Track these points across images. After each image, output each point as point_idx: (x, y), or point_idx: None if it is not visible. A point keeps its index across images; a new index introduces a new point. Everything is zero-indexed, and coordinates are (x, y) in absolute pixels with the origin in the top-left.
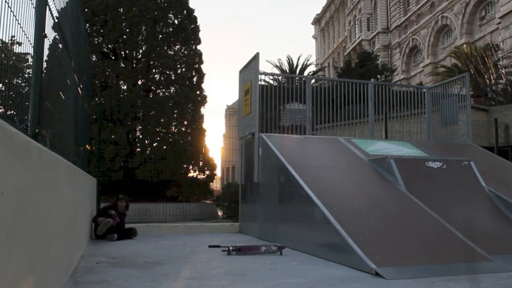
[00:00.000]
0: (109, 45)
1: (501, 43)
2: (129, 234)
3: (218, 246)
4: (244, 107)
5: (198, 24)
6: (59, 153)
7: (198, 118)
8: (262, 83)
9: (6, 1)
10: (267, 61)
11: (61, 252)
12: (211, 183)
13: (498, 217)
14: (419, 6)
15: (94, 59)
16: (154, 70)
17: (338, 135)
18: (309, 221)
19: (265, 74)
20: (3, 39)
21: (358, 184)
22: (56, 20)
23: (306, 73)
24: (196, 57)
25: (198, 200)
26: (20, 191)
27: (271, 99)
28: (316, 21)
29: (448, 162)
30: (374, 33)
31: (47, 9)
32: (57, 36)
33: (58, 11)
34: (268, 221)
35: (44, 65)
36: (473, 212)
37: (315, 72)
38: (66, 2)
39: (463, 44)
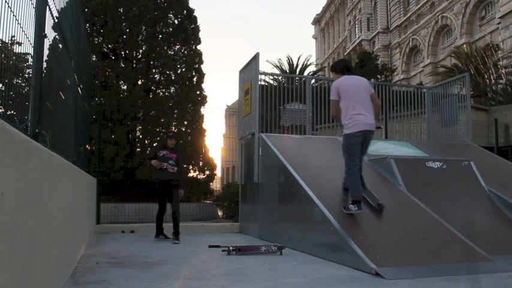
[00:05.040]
0: (109, 45)
1: (501, 43)
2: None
3: (218, 246)
4: (244, 107)
5: (198, 24)
6: (59, 153)
7: (198, 118)
8: (262, 83)
9: (6, 1)
10: (267, 61)
11: (61, 252)
12: (211, 183)
13: (498, 217)
14: (419, 6)
15: (94, 59)
16: (154, 70)
17: (338, 135)
18: (309, 221)
19: (265, 74)
20: (3, 39)
21: None
22: (56, 20)
23: (306, 73)
24: (196, 57)
25: (198, 200)
26: (20, 191)
27: (271, 99)
28: (316, 21)
29: (448, 162)
30: (374, 33)
31: (47, 9)
32: (57, 36)
33: (58, 11)
34: (268, 221)
35: (44, 65)
36: (473, 212)
37: (315, 72)
38: (66, 2)
39: (463, 44)
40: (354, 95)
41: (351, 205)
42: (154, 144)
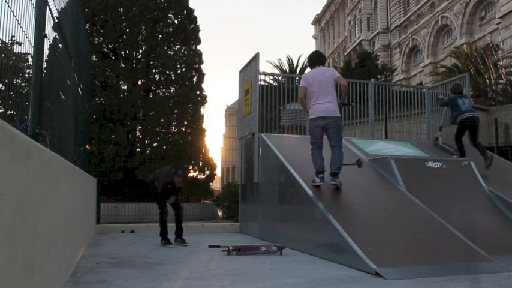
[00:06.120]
0: (109, 45)
1: (501, 43)
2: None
3: (218, 246)
4: (244, 107)
5: (198, 24)
6: (59, 153)
7: (198, 118)
8: (262, 83)
9: (6, 1)
10: (267, 61)
11: (61, 252)
12: (211, 183)
13: (498, 217)
14: (419, 6)
15: (94, 59)
16: (154, 70)
17: None
18: (309, 221)
19: (265, 74)
20: (3, 39)
21: (358, 184)
22: (56, 20)
23: None
24: (196, 57)
25: (198, 200)
26: (20, 191)
27: (271, 99)
28: (316, 21)
29: (448, 162)
30: (374, 33)
31: (47, 9)
32: (57, 36)
33: (58, 11)
34: (268, 221)
35: (44, 65)
36: (473, 212)
37: None
38: (66, 2)
39: (463, 44)
40: (316, 87)
41: (316, 178)
42: (155, 144)
